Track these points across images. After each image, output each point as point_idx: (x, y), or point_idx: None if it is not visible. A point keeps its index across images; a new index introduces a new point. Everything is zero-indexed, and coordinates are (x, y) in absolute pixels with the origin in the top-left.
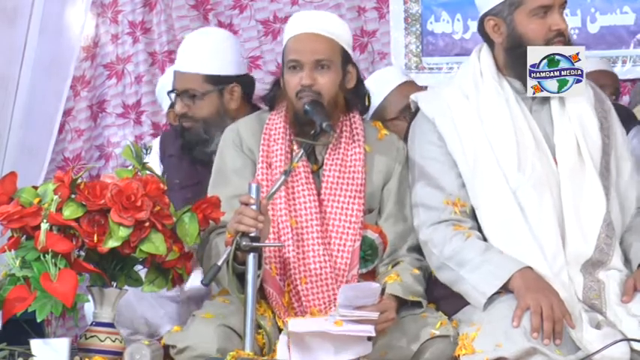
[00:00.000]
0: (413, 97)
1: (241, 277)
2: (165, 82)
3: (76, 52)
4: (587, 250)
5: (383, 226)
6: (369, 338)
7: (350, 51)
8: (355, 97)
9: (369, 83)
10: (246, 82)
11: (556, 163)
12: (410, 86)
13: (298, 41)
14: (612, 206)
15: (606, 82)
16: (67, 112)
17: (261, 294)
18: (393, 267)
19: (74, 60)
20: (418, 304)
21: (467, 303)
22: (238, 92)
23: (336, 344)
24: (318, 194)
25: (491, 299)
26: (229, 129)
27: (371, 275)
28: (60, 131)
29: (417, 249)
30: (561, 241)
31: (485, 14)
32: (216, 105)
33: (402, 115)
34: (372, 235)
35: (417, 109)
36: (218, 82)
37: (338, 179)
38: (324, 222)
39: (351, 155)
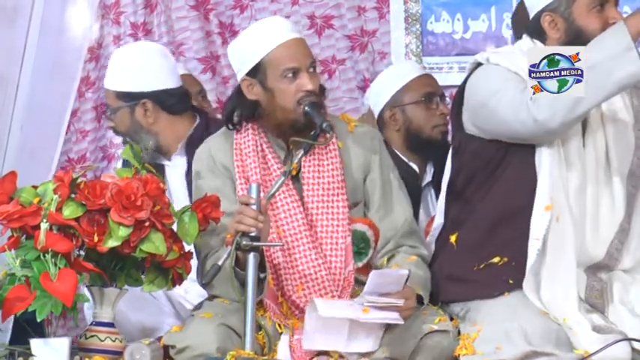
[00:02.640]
0: (479, 56)
1: (244, 284)
2: None
3: (84, 52)
4: (598, 255)
5: (374, 217)
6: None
7: None
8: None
9: (387, 73)
10: (164, 98)
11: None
12: (432, 79)
13: (289, 48)
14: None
15: None
16: (72, 113)
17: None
18: (388, 260)
19: (82, 61)
20: (419, 301)
21: (468, 294)
22: (151, 108)
23: (351, 332)
24: (301, 198)
25: (492, 300)
26: (200, 150)
27: (366, 269)
28: (65, 132)
29: (409, 233)
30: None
31: (542, 10)
32: (129, 120)
33: (421, 99)
34: (361, 227)
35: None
36: (129, 98)
37: (318, 179)
38: (311, 225)
39: (326, 153)
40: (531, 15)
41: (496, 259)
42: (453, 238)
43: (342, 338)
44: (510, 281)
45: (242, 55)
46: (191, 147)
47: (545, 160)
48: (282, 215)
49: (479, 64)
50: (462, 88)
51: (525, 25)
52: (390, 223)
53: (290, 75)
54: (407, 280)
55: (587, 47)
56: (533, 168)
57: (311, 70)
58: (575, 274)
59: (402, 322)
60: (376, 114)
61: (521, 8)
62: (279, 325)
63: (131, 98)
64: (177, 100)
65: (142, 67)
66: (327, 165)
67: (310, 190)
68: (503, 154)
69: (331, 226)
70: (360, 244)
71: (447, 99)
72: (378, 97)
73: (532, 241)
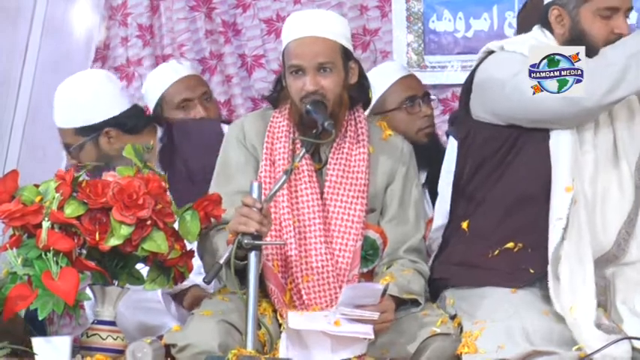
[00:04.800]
0: (492, 44)
1: (240, 274)
2: (152, 80)
3: (92, 53)
4: (607, 244)
5: (385, 227)
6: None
7: (350, 46)
8: (359, 93)
9: (369, 77)
10: (124, 120)
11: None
12: (412, 79)
13: (298, 46)
14: None
15: None
16: None
17: (263, 292)
18: (387, 269)
19: (90, 61)
20: (416, 304)
21: (482, 281)
22: (114, 135)
23: (333, 342)
24: (321, 193)
25: (496, 296)
26: (234, 125)
27: (370, 274)
28: None
29: (415, 251)
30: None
31: (552, 3)
32: (95, 153)
33: (402, 105)
34: (373, 235)
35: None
36: (90, 131)
37: (341, 178)
38: (326, 220)
39: (355, 155)
40: (545, 2)
41: (510, 244)
42: (465, 225)
43: (326, 350)
44: (531, 270)
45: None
46: (164, 159)
47: (563, 141)
48: (300, 205)
49: (490, 52)
50: (471, 77)
51: (533, 21)
52: (400, 235)
53: (295, 72)
54: (384, 293)
55: (634, 34)
56: (546, 154)
57: (321, 71)
58: (592, 257)
59: (372, 337)
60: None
61: (530, 4)
62: (281, 315)
63: (92, 130)
64: (136, 120)
65: (95, 97)
66: (354, 166)
67: (331, 187)
68: (514, 140)
69: (345, 226)
70: (369, 251)
71: (433, 96)
72: (377, 81)
73: (555, 220)
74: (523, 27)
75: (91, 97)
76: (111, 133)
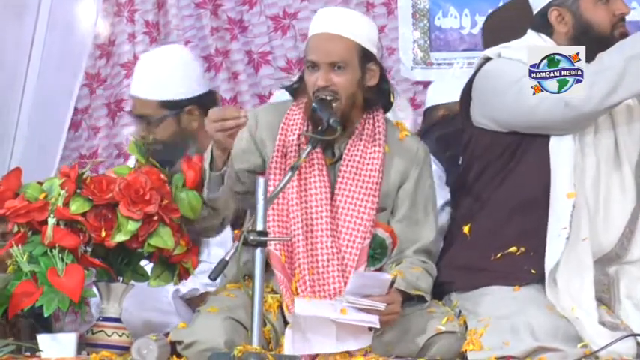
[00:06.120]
0: (489, 51)
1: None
2: None
3: (88, 48)
4: (609, 244)
5: (395, 227)
6: (371, 329)
7: (372, 48)
8: (376, 95)
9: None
10: (206, 101)
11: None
12: None
13: (316, 41)
14: None
15: None
16: (83, 110)
17: (268, 288)
18: (396, 265)
19: (85, 57)
20: (422, 301)
21: (484, 282)
22: (197, 114)
23: (339, 331)
24: (332, 188)
25: (501, 294)
26: (250, 112)
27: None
28: (76, 129)
29: (425, 252)
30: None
31: (548, 5)
32: (174, 129)
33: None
34: (382, 234)
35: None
36: (176, 106)
37: (354, 175)
38: (335, 216)
39: (370, 154)
40: (535, 10)
41: (513, 249)
42: (466, 229)
43: (331, 339)
44: (533, 271)
45: None
46: None
47: (564, 147)
48: (309, 198)
49: (487, 59)
50: (469, 84)
51: (499, 35)
52: (410, 235)
53: (310, 67)
54: (392, 284)
55: (630, 37)
56: (547, 160)
57: (335, 68)
58: (591, 261)
59: (378, 326)
60: (429, 102)
61: (496, 16)
62: (287, 307)
63: (177, 106)
64: (212, 104)
65: (184, 73)
66: (367, 164)
67: (344, 183)
68: (516, 147)
69: (354, 223)
70: (377, 250)
71: None
72: (439, 91)
73: (560, 230)
74: (488, 39)
75: (181, 73)
76: (194, 112)
